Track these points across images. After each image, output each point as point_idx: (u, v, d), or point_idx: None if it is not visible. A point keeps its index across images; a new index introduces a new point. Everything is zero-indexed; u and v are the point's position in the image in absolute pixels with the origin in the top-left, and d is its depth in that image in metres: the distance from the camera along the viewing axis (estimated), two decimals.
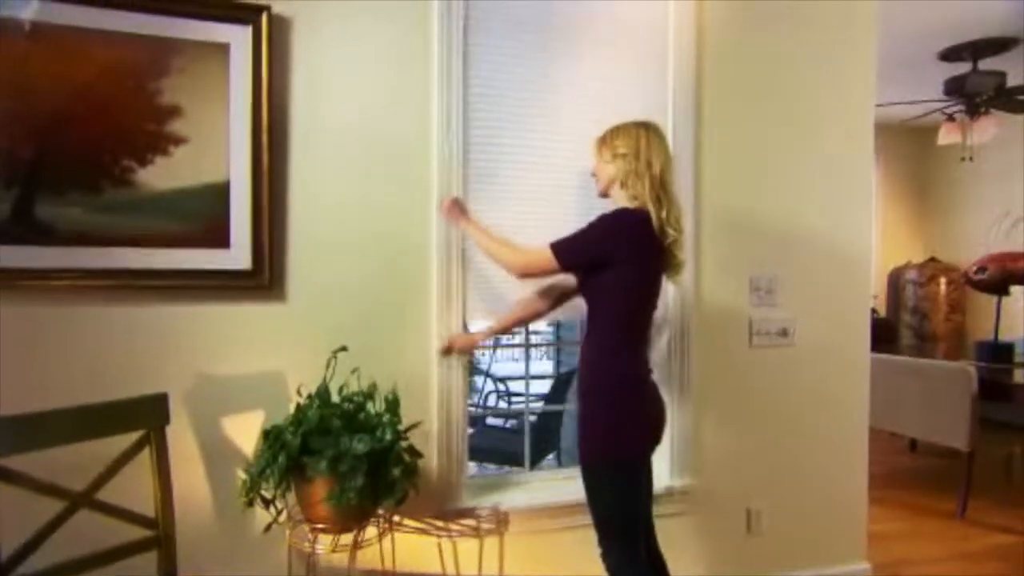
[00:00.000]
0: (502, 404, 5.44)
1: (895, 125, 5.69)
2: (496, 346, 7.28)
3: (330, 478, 1.53)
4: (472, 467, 3.87)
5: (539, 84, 2.13)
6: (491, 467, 3.95)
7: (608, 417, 1.67)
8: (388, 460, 1.58)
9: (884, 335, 5.27)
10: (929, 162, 6.22)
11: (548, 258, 1.69)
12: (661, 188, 1.66)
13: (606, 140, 1.77)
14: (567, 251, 1.68)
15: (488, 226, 1.89)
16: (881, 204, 6.30)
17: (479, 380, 7.33)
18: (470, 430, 4.48)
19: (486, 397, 5.36)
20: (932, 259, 5.98)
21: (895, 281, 6.10)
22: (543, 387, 4.90)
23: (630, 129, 1.72)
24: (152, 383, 1.74)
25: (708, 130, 2.34)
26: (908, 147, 6.30)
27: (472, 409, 4.46)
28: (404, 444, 1.69)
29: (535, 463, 3.72)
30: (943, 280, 5.76)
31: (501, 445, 3.65)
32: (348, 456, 1.51)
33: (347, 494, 1.47)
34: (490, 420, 4.88)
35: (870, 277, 2.73)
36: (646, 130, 1.71)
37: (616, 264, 1.65)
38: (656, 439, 1.78)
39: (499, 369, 7.76)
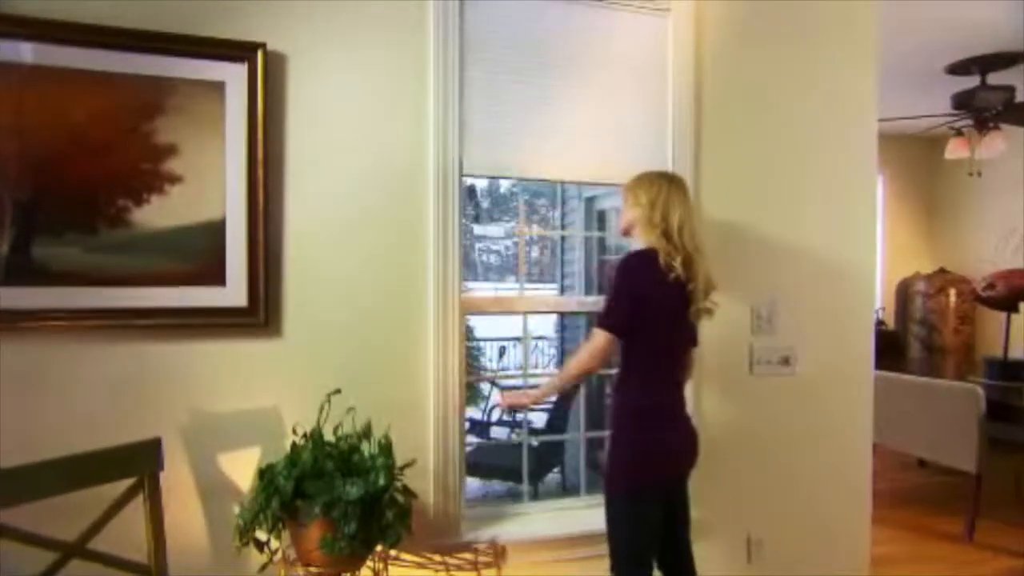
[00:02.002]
0: (506, 415, 5.43)
1: (903, 134, 5.63)
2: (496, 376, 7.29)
3: (324, 522, 1.53)
4: (475, 484, 3.90)
5: (537, 111, 2.13)
6: (494, 483, 3.96)
7: (626, 448, 1.79)
8: (381, 504, 1.58)
9: (892, 348, 5.23)
10: (938, 172, 6.14)
11: (603, 335, 1.74)
12: (679, 238, 1.76)
13: (631, 187, 1.87)
14: (614, 320, 1.74)
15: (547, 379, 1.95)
16: (889, 214, 6.24)
17: (484, 387, 7.34)
18: (476, 440, 4.50)
19: (490, 412, 5.34)
20: (941, 270, 5.90)
21: (903, 292, 6.03)
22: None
23: (653, 181, 1.83)
24: (149, 421, 1.76)
25: (708, 153, 2.32)
26: (917, 156, 6.24)
27: (471, 438, 4.48)
28: (399, 484, 1.68)
29: (540, 478, 3.74)
30: (952, 292, 5.68)
31: (504, 461, 3.64)
32: (341, 502, 1.51)
33: (339, 543, 1.47)
34: (493, 432, 4.88)
35: (874, 300, 2.70)
36: (668, 183, 1.82)
37: (644, 308, 1.75)
38: (679, 469, 1.87)
39: (503, 377, 7.78)
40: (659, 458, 1.80)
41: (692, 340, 1.93)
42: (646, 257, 1.77)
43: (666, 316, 1.78)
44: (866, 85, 2.53)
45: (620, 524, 1.79)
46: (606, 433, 3.09)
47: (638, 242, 1.85)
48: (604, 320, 1.76)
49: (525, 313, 2.29)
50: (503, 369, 8.04)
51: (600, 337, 1.74)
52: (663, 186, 1.81)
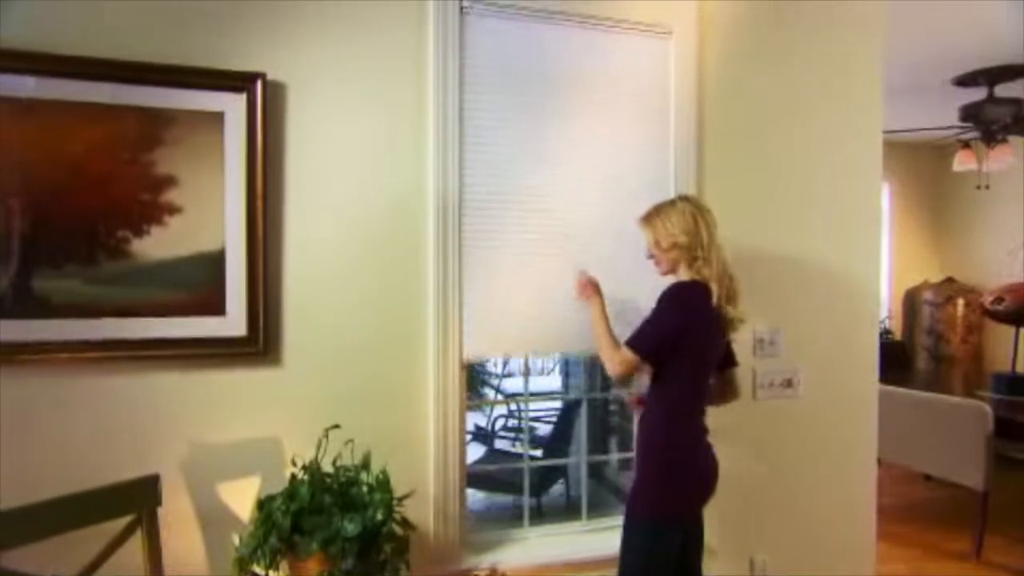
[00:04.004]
0: (512, 422, 5.43)
1: (911, 143, 5.59)
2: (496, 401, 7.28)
3: (322, 558, 1.53)
4: (478, 495, 3.91)
5: (538, 138, 2.11)
6: (497, 497, 3.96)
7: (659, 474, 1.78)
8: (380, 539, 1.57)
9: (899, 359, 5.18)
10: (946, 180, 6.07)
11: (630, 357, 1.71)
12: (718, 265, 1.76)
13: (657, 227, 1.81)
14: (644, 344, 1.72)
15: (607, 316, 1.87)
16: (896, 222, 6.19)
17: (489, 393, 7.33)
18: (481, 447, 4.50)
19: (495, 422, 5.34)
20: (949, 279, 5.85)
21: (910, 301, 5.98)
22: (553, 401, 4.90)
23: (683, 215, 1.78)
24: (149, 452, 1.76)
25: (710, 173, 2.30)
26: (924, 164, 6.18)
27: (475, 446, 4.49)
28: (397, 516, 1.68)
29: (545, 490, 3.74)
30: (960, 301, 5.63)
31: (508, 474, 3.64)
32: (339, 538, 1.51)
33: None
34: (498, 444, 4.88)
35: (878, 318, 2.66)
36: (697, 212, 1.78)
37: (686, 341, 1.73)
38: (707, 497, 1.86)
39: (508, 383, 7.78)
40: (694, 485, 1.81)
41: (732, 362, 1.96)
42: (697, 290, 1.75)
43: (708, 347, 1.79)
44: (871, 100, 2.50)
45: (637, 552, 1.78)
46: (604, 457, 3.12)
47: (682, 277, 1.82)
48: (636, 341, 1.72)
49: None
50: (508, 375, 8.04)
51: (625, 355, 1.71)
52: (695, 218, 1.77)
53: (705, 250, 1.75)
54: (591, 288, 1.91)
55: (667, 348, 1.72)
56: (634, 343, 1.72)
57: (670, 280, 1.85)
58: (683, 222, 1.77)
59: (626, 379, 1.74)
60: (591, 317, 1.87)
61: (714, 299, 1.73)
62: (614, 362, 1.74)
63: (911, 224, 6.29)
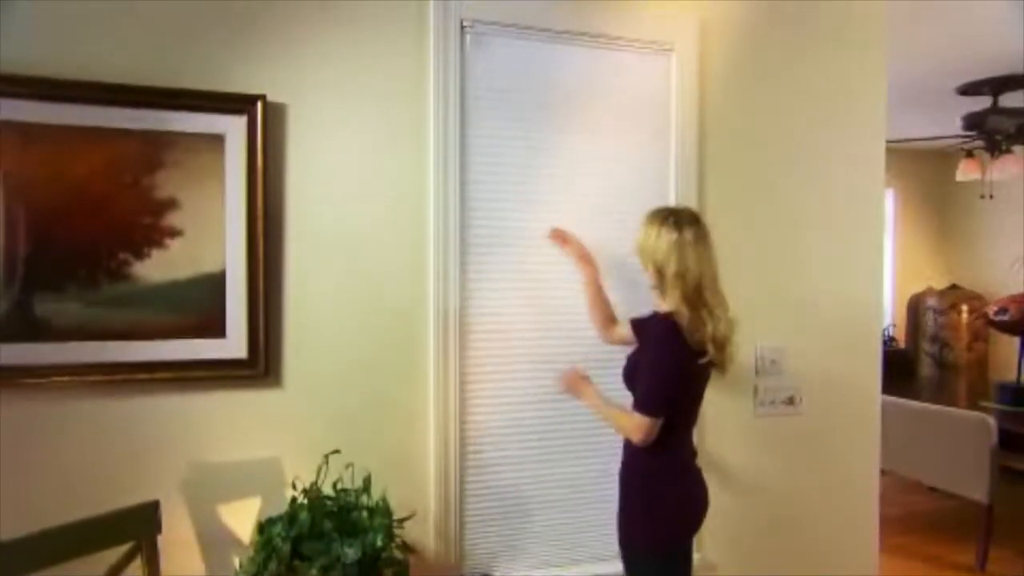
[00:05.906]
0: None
1: (914, 149, 5.57)
2: None
3: None
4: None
5: (539, 158, 2.11)
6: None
7: (649, 504, 1.75)
8: (379, 563, 1.57)
9: (903, 368, 5.17)
10: (950, 186, 6.04)
11: (647, 421, 1.65)
12: (696, 293, 1.64)
13: (639, 243, 1.74)
14: (652, 406, 1.66)
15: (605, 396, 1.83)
16: (899, 228, 6.17)
17: None
18: None
19: None
20: (953, 286, 5.82)
21: (915, 308, 5.96)
22: None
23: (668, 236, 1.66)
24: (149, 475, 1.76)
25: (712, 187, 2.28)
26: (928, 170, 6.16)
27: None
28: (397, 540, 1.68)
29: None
30: (965, 308, 5.61)
31: None
32: (339, 564, 1.51)
33: None
34: None
35: (880, 332, 2.65)
36: (679, 233, 1.65)
37: (681, 379, 1.72)
38: (699, 525, 1.84)
39: None
40: (691, 508, 1.80)
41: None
42: (677, 334, 1.65)
43: (698, 379, 1.75)
44: (874, 111, 2.49)
45: None
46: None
47: (660, 304, 1.75)
48: (645, 408, 1.66)
49: None
50: None
51: (643, 423, 1.65)
52: (676, 242, 1.65)
53: (687, 281, 1.64)
54: (578, 382, 1.84)
55: (674, 395, 1.70)
56: (644, 409, 1.67)
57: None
58: (661, 247, 1.66)
59: (651, 440, 1.68)
60: (588, 406, 1.84)
61: (684, 326, 1.65)
62: (631, 431, 1.69)
63: (914, 230, 6.27)
